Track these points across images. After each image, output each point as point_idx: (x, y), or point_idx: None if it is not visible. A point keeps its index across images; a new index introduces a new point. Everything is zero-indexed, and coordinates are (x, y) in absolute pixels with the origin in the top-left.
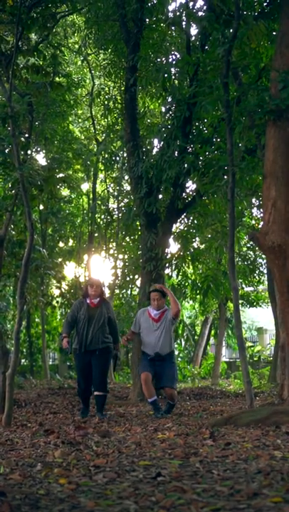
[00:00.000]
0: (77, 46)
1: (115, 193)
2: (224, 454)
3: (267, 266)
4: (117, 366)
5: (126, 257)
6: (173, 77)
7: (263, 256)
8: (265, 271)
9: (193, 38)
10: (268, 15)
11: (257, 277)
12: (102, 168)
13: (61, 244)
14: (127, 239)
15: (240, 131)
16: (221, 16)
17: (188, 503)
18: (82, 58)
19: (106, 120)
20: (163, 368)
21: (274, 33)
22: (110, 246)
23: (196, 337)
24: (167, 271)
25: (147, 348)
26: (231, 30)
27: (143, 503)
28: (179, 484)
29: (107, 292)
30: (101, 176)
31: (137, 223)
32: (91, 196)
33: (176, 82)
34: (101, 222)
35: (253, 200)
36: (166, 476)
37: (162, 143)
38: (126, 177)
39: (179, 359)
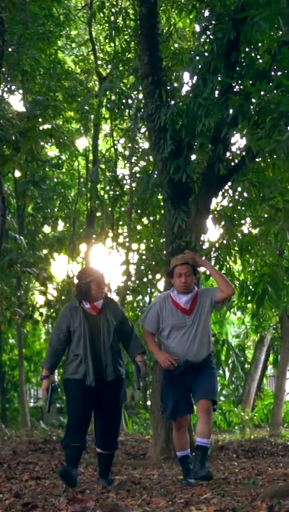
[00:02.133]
0: None
1: (126, 153)
2: None
3: None
4: (139, 384)
5: (142, 247)
6: None
7: None
8: None
9: None
10: None
11: None
12: (107, 116)
13: (47, 229)
14: (144, 220)
15: None
16: None
17: None
18: None
19: (113, 45)
20: (198, 376)
21: None
22: (120, 231)
23: (246, 366)
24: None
25: (177, 356)
26: None
27: None
28: None
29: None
30: (105, 127)
31: (159, 197)
32: (91, 158)
33: None
34: (106, 196)
35: None
36: None
37: (196, 78)
38: (142, 129)
39: (222, 398)
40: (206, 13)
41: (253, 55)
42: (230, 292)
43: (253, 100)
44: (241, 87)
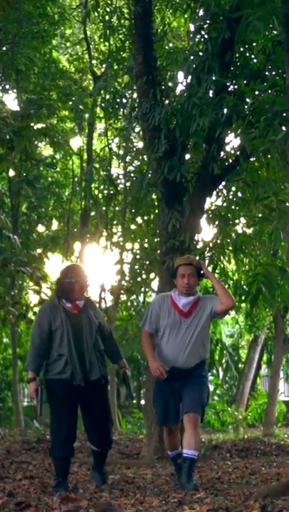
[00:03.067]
0: None
1: (121, 153)
2: None
3: None
4: (131, 392)
5: (137, 246)
6: None
7: None
8: None
9: None
10: None
11: None
12: (102, 115)
13: (41, 229)
14: (138, 220)
15: None
16: None
17: None
18: None
19: (107, 44)
20: (185, 385)
21: None
22: (114, 230)
23: (240, 365)
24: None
25: (165, 359)
26: None
27: None
28: None
29: (109, 299)
30: (100, 126)
31: (153, 197)
32: (85, 157)
33: None
34: (100, 196)
35: None
36: None
37: (190, 78)
38: (137, 128)
39: (216, 397)
40: (201, 13)
41: (247, 54)
42: (231, 305)
43: (248, 100)
44: (236, 86)
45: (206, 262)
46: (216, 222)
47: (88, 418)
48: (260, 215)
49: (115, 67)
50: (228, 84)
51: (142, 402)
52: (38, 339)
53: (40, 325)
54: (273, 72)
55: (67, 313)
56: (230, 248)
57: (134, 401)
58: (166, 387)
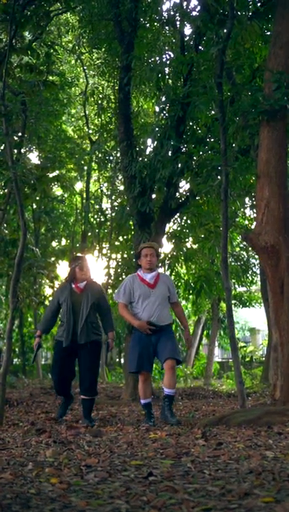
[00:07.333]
0: (70, 45)
1: (108, 193)
2: (216, 453)
3: (260, 266)
4: (108, 356)
5: (119, 256)
6: (167, 76)
7: (256, 256)
8: (257, 271)
9: (187, 38)
10: (262, 15)
11: (250, 278)
12: (96, 167)
13: (54, 244)
14: (120, 238)
15: (233, 132)
16: (215, 15)
17: (179, 503)
18: (75, 57)
19: (99, 119)
20: (162, 338)
21: (268, 33)
22: (103, 246)
23: None
24: (160, 271)
25: (143, 319)
26: (225, 30)
27: (134, 502)
28: (170, 484)
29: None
30: (94, 175)
31: (130, 223)
32: (84, 195)
33: (170, 81)
34: (94, 222)
35: (247, 200)
36: (157, 475)
37: (156, 142)
38: (119, 176)
39: None
40: (163, 99)
41: (194, 127)
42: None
43: (195, 158)
44: (187, 149)
45: (166, 267)
46: (173, 240)
47: (80, 371)
48: (202, 236)
49: (105, 135)
50: (181, 147)
51: (122, 360)
52: (49, 310)
53: (52, 300)
54: (212, 140)
55: (72, 292)
56: (182, 258)
57: (117, 360)
58: (146, 341)
